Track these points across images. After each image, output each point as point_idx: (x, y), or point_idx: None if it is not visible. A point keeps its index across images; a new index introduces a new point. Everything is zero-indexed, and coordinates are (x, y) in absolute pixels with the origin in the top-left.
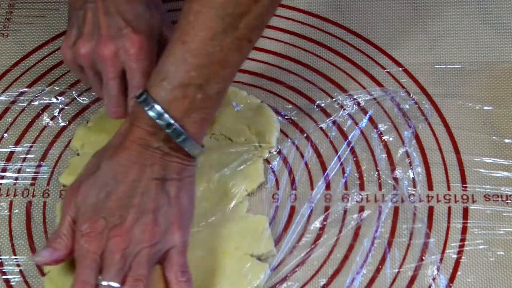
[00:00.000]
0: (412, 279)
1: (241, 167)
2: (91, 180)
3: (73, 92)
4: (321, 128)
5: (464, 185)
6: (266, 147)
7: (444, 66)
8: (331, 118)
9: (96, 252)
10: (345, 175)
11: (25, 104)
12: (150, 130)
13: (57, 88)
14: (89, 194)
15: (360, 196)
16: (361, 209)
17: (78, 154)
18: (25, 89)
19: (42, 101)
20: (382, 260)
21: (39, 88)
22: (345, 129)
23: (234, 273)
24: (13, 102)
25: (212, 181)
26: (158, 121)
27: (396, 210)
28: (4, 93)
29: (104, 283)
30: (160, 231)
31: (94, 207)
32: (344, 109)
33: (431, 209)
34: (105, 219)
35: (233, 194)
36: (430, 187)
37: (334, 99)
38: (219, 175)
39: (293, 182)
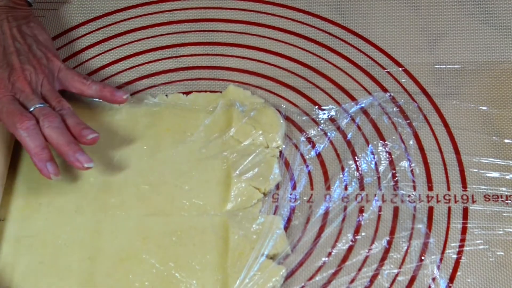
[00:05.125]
0: (412, 279)
1: (257, 168)
2: None
3: None
4: (321, 128)
5: (464, 185)
6: (276, 146)
7: (444, 66)
8: (329, 115)
9: (9, 95)
10: (345, 175)
11: None
12: None
13: None
14: None
15: (360, 196)
16: (361, 209)
17: None
18: None
19: None
20: (382, 260)
21: None
22: (344, 129)
23: (249, 273)
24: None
25: (229, 182)
26: None
27: (396, 210)
28: None
29: (32, 108)
30: (42, 62)
31: None
32: (345, 110)
33: (431, 210)
34: None
35: (249, 194)
36: (430, 188)
37: (334, 101)
38: (235, 176)
39: (292, 183)
